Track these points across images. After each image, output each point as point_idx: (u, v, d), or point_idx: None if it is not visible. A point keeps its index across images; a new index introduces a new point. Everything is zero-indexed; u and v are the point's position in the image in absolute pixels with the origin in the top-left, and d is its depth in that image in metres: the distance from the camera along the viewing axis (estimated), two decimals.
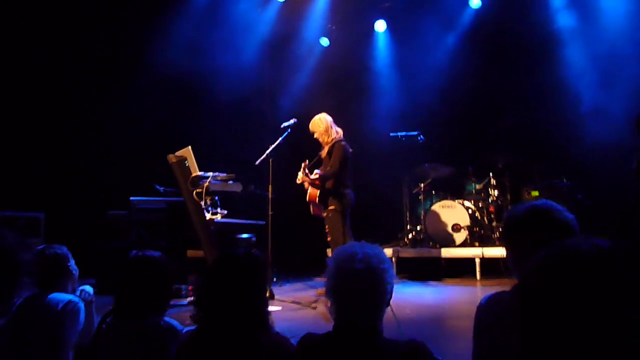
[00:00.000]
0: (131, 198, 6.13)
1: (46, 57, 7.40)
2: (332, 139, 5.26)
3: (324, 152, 5.30)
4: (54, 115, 7.63)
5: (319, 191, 5.21)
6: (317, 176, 5.10)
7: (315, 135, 5.28)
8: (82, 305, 2.50)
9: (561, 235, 1.58)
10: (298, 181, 5.24)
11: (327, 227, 5.23)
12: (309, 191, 5.21)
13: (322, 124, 5.29)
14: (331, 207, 5.19)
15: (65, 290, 2.61)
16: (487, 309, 1.65)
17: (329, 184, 5.22)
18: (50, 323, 2.37)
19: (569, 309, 0.78)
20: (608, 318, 0.76)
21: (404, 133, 7.37)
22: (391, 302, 1.71)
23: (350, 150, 5.28)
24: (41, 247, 2.69)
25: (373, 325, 1.64)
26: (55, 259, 2.64)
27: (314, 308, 4.70)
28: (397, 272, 6.78)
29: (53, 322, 2.37)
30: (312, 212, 5.27)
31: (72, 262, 2.71)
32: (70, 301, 2.46)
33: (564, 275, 0.81)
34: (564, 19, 7.60)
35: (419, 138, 7.29)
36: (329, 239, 5.22)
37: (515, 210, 1.72)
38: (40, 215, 6.44)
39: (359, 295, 1.61)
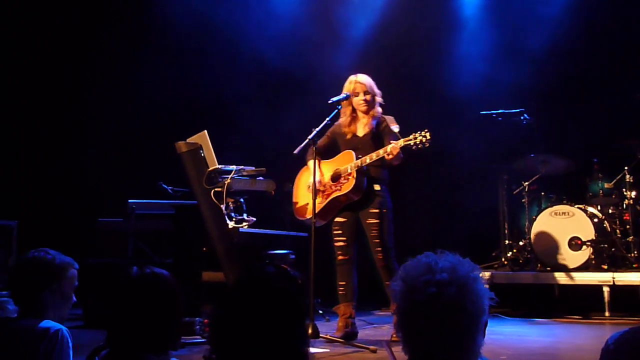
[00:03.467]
0: (129, 201, 6.28)
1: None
2: (379, 114, 5.35)
3: (357, 129, 5.36)
4: (25, 93, 7.93)
5: (365, 182, 5.23)
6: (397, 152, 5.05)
7: (364, 96, 5.28)
8: (69, 337, 2.57)
9: None
10: (362, 162, 5.19)
11: (376, 238, 5.20)
12: (355, 180, 5.19)
13: (376, 89, 5.37)
14: (380, 211, 5.21)
15: (47, 316, 2.66)
16: (617, 354, 1.60)
17: (380, 174, 5.28)
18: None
19: None
20: None
21: (500, 111, 7.27)
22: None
23: None
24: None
25: None
26: (38, 266, 2.69)
27: (374, 351, 4.69)
28: (491, 305, 6.68)
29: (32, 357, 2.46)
30: (319, 217, 5.27)
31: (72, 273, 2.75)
32: (58, 330, 2.54)
33: None
34: None
35: (522, 118, 7.18)
36: (342, 257, 5.29)
37: None
38: (12, 224, 6.69)
39: (444, 318, 1.59)
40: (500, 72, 7.84)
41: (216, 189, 5.08)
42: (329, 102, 5.30)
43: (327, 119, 5.26)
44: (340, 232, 5.34)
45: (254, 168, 5.36)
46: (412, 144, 4.95)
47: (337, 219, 5.35)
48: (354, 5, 8.15)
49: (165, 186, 6.40)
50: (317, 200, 5.30)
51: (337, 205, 5.33)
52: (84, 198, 7.75)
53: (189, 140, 5.29)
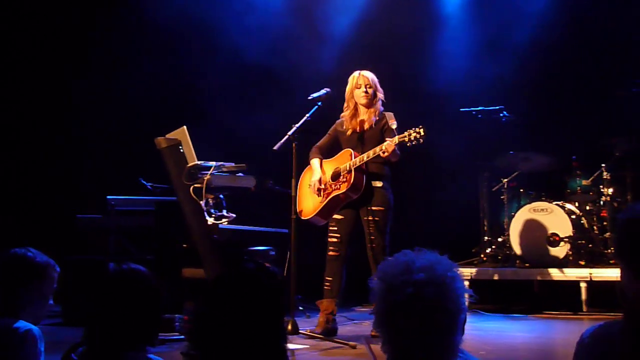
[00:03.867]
0: (108, 197, 6.24)
1: None
2: (380, 110, 5.40)
3: (357, 125, 5.40)
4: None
5: (364, 180, 5.26)
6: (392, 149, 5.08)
7: (365, 88, 5.34)
8: (40, 337, 2.54)
9: None
10: (359, 160, 5.21)
11: (372, 235, 5.24)
12: (352, 179, 5.22)
13: (379, 87, 5.44)
14: (379, 208, 5.25)
15: (23, 315, 2.63)
16: (591, 347, 1.62)
17: (381, 170, 5.32)
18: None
19: None
20: None
21: (480, 108, 7.30)
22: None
23: None
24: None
25: None
26: (20, 263, 2.66)
27: (354, 347, 4.71)
28: (470, 302, 6.72)
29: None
30: (321, 216, 5.37)
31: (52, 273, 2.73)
32: (28, 330, 2.52)
33: None
34: None
35: (501, 115, 7.20)
36: (333, 253, 5.33)
37: (634, 209, 1.69)
38: None
39: (423, 317, 1.58)
40: (482, 68, 7.87)
41: (196, 185, 5.06)
42: (309, 98, 5.34)
43: (307, 115, 5.28)
44: (335, 228, 5.37)
45: (234, 164, 5.35)
46: (406, 140, 5.00)
47: (335, 216, 5.39)
48: (335, 2, 8.14)
49: (145, 182, 6.37)
50: (318, 199, 5.41)
51: (337, 204, 5.36)
52: (63, 194, 7.68)
53: (168, 136, 5.26)
